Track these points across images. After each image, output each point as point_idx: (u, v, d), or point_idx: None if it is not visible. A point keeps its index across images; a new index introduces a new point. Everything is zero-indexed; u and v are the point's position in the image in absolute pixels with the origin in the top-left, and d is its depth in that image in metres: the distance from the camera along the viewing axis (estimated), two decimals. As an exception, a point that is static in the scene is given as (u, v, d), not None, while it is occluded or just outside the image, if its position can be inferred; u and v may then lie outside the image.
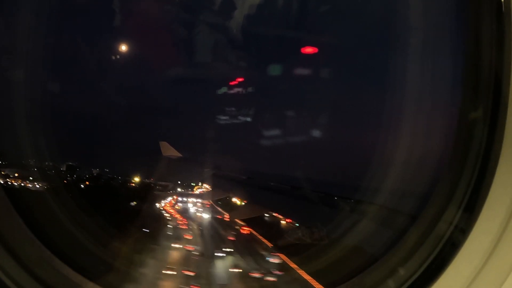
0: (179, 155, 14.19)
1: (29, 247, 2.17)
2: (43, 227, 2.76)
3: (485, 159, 2.12)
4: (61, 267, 2.26)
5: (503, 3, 1.96)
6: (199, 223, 13.87)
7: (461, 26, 2.36)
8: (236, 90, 7.00)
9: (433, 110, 2.79)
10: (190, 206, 15.28)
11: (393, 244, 2.37)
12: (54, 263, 2.24)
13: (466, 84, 2.29)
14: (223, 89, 7.32)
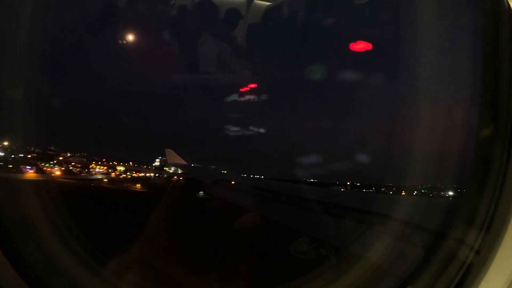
0: (185, 163, 14.09)
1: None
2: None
3: (504, 179, 2.07)
4: None
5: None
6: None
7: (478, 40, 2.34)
8: (247, 97, 6.79)
9: (452, 126, 2.76)
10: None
11: (412, 267, 2.31)
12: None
13: (484, 103, 2.25)
14: (233, 97, 7.11)
